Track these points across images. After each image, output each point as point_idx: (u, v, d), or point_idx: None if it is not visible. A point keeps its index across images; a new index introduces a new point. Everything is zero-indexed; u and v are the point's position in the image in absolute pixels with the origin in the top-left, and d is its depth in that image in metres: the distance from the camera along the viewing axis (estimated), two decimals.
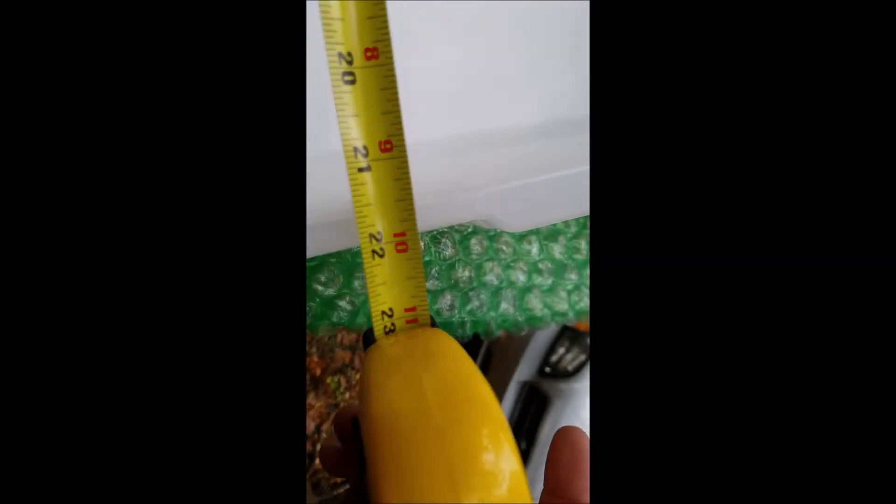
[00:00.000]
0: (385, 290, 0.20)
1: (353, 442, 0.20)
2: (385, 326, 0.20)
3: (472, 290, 0.38)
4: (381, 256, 0.20)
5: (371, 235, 0.19)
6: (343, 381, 0.55)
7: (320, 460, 0.22)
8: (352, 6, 0.17)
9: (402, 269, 0.20)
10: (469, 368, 0.17)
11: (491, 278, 0.39)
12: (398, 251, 0.20)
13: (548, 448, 0.19)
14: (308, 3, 0.16)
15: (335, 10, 0.17)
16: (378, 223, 0.19)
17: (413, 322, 0.20)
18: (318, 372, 0.54)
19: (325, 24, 0.17)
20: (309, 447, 0.55)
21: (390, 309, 0.20)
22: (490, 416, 0.16)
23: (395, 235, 0.20)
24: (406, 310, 0.20)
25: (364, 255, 0.19)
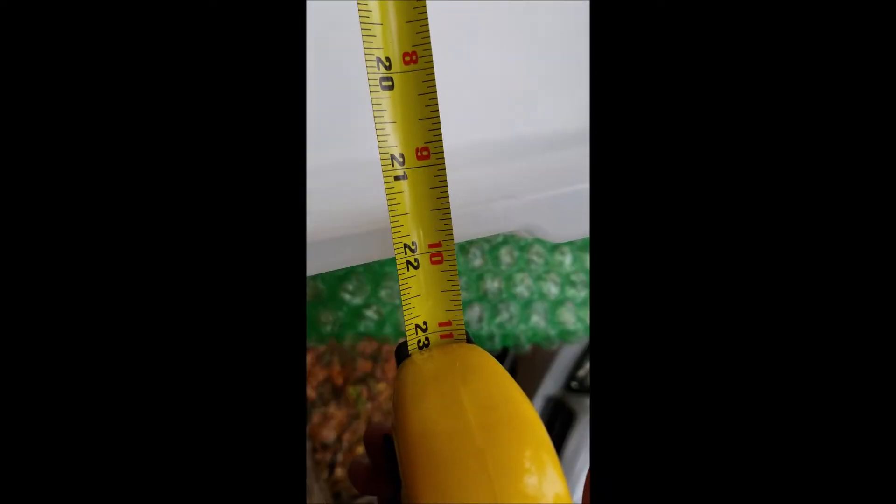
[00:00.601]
0: (419, 302, 0.19)
1: (385, 459, 0.19)
2: (419, 341, 0.19)
3: (501, 301, 0.37)
4: (416, 268, 0.19)
5: (406, 246, 0.19)
6: (364, 391, 0.54)
7: (349, 477, 0.21)
8: (391, 9, 0.17)
9: (436, 281, 0.19)
10: (510, 386, 0.17)
11: (521, 290, 0.38)
12: (433, 262, 0.19)
13: (571, 464, 0.18)
14: (343, 5, 0.16)
15: (375, 14, 0.17)
16: (413, 233, 0.19)
17: (447, 337, 0.20)
18: (340, 382, 0.53)
19: (363, 29, 0.17)
20: (329, 457, 0.54)
21: (424, 323, 0.19)
22: (533, 436, 0.15)
23: (431, 246, 0.19)
24: (440, 324, 0.20)
25: (399, 267, 0.19)
